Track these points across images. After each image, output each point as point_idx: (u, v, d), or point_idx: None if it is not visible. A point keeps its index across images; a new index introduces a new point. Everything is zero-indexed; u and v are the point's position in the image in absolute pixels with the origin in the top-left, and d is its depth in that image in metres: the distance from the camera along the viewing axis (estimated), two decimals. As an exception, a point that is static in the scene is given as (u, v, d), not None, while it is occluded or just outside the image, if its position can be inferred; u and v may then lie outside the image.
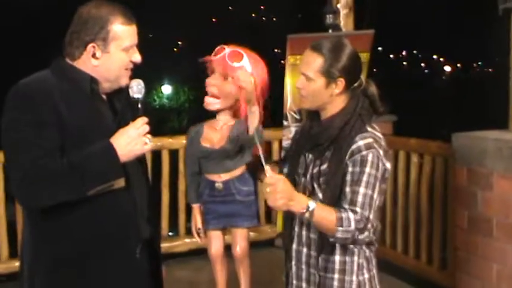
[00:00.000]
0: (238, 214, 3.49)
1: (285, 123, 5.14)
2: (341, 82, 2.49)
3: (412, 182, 4.94)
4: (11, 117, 2.17)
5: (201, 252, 4.05)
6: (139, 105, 2.32)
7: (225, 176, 3.46)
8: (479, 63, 56.69)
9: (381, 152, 2.45)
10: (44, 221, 2.24)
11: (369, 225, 2.38)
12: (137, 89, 2.33)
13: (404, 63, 61.62)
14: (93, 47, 2.27)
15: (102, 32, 2.26)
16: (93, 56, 2.28)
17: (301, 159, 2.65)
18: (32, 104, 2.17)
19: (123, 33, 2.29)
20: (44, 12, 28.64)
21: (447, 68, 60.49)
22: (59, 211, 2.19)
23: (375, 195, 2.41)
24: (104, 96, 2.38)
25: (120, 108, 2.40)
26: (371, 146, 2.43)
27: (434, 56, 62.99)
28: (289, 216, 2.67)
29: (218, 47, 3.39)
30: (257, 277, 3.93)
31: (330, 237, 2.39)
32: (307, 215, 2.34)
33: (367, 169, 2.40)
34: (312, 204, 2.32)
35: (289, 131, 4.99)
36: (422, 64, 62.41)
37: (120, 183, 2.25)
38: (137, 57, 2.37)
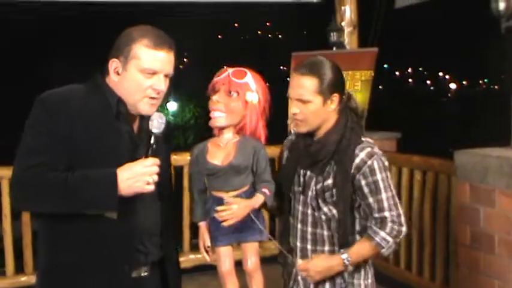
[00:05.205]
0: (247, 229, 3.49)
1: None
2: (336, 97, 2.61)
3: (415, 198, 4.96)
4: (28, 123, 2.23)
5: (205, 269, 4.04)
6: (152, 141, 2.24)
7: (232, 193, 3.47)
8: (485, 80, 56.62)
9: (380, 154, 2.61)
10: (47, 230, 2.30)
11: (402, 219, 2.59)
12: (157, 123, 2.27)
13: (410, 80, 61.63)
14: (114, 61, 2.28)
15: (126, 50, 2.26)
16: (116, 72, 2.29)
17: (295, 177, 2.75)
18: (48, 116, 2.20)
19: (144, 55, 2.25)
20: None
21: (452, 85, 60.45)
22: (61, 223, 2.22)
23: (394, 191, 2.62)
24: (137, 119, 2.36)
25: (139, 135, 2.36)
26: (372, 154, 2.58)
27: (440, 73, 62.96)
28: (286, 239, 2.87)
29: (221, 70, 3.46)
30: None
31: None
32: (350, 267, 2.60)
33: (379, 176, 2.56)
34: (345, 256, 2.58)
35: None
36: (428, 81, 62.40)
37: (112, 215, 2.21)
38: (159, 85, 2.29)
